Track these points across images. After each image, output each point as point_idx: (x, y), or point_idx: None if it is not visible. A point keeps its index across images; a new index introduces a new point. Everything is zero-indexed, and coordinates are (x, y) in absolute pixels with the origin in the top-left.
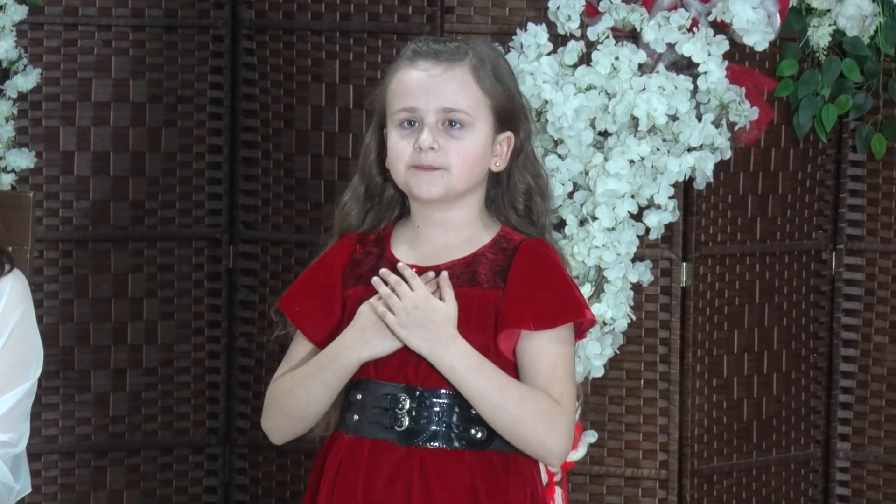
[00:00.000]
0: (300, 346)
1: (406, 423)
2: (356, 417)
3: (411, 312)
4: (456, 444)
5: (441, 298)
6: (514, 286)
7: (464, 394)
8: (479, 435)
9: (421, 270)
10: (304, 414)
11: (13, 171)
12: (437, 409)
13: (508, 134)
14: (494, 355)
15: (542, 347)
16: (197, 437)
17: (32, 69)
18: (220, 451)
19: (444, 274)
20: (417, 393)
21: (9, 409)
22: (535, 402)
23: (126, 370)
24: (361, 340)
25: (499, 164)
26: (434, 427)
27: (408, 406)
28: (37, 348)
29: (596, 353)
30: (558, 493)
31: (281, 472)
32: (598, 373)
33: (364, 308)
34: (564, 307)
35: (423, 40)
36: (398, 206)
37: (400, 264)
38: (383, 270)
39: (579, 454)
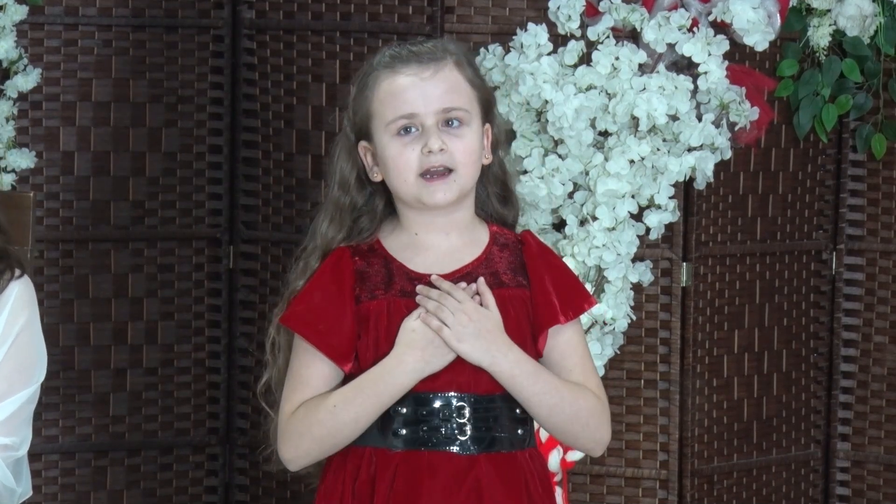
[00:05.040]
0: (317, 368)
1: (469, 432)
2: (404, 432)
3: (466, 325)
4: (509, 446)
5: (482, 305)
6: (539, 284)
7: (520, 398)
8: (521, 433)
9: (444, 278)
10: (345, 439)
11: (13, 171)
12: (492, 414)
13: (487, 125)
14: (531, 353)
15: (570, 340)
16: (197, 437)
17: (32, 69)
18: (220, 451)
19: (482, 280)
20: (473, 400)
21: (12, 413)
22: (585, 399)
23: (126, 370)
24: (423, 361)
25: (487, 157)
26: (493, 432)
27: (468, 414)
28: (41, 353)
29: (596, 353)
30: (558, 493)
31: (281, 472)
32: (599, 373)
33: (414, 325)
34: (579, 295)
35: (397, 45)
36: (387, 215)
37: (434, 276)
38: (420, 287)
39: (579, 454)
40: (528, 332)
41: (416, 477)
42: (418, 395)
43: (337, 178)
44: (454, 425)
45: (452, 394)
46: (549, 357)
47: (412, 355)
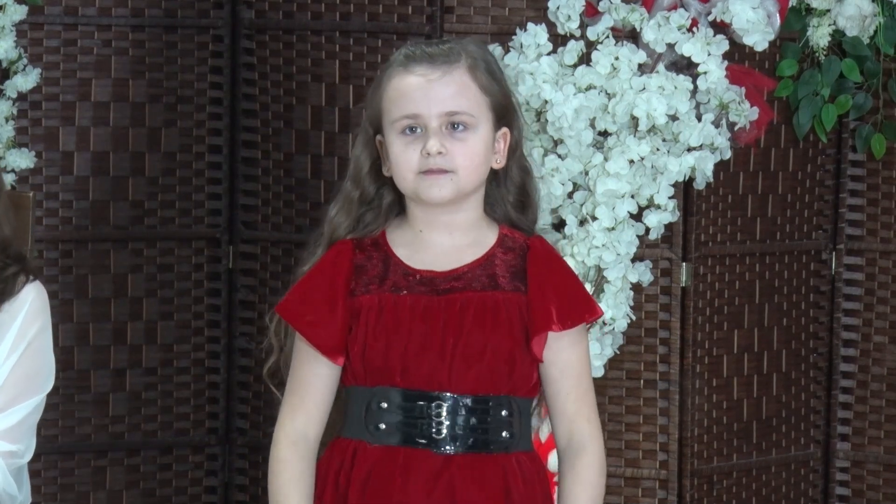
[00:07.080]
0: (311, 366)
1: (444, 431)
2: (383, 427)
3: None
4: (490, 447)
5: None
6: (537, 289)
7: None
8: (507, 436)
9: (435, 275)
10: None
11: (13, 171)
12: (471, 414)
13: (504, 130)
14: (523, 358)
15: (569, 358)
16: (197, 437)
17: (32, 69)
18: (219, 451)
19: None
20: (452, 399)
21: (20, 420)
22: (592, 485)
23: (126, 370)
24: None
25: (499, 161)
26: (470, 433)
27: (444, 413)
28: (51, 362)
29: (596, 353)
30: (558, 493)
31: None
32: (598, 373)
33: None
34: (582, 305)
35: (413, 44)
36: (396, 210)
37: None
38: None
39: None
40: (521, 336)
41: (390, 473)
42: (393, 391)
43: (351, 169)
44: (430, 423)
45: (430, 392)
46: (548, 372)
47: None
